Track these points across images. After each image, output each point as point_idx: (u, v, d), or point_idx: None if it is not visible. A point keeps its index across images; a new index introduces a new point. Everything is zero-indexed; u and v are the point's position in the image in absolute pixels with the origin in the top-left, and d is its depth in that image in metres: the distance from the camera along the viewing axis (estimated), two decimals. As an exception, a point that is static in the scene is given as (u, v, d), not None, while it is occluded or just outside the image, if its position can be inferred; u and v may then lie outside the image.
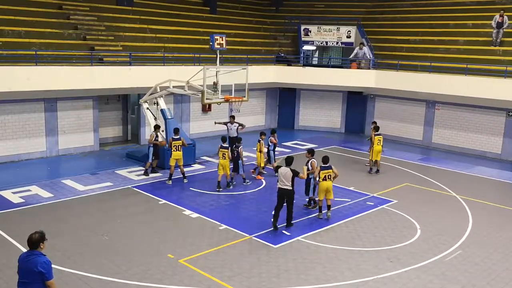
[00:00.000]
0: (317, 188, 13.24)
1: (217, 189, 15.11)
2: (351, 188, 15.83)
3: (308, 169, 13.22)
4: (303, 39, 26.52)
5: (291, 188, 11.97)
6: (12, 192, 14.20)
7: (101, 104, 20.27)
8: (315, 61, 28.94)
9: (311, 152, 13.60)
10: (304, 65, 25.78)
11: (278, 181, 12.17)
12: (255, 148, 17.24)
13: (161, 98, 18.01)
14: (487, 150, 21.47)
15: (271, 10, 30.99)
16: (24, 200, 13.59)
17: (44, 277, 6.51)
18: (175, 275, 9.62)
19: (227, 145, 15.38)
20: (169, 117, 17.77)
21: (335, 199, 14.20)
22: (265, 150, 17.04)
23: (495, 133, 21.19)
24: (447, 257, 10.89)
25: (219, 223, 12.40)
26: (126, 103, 21.84)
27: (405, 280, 9.79)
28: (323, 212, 13.15)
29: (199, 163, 18.34)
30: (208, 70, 15.74)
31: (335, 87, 24.76)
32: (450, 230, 12.51)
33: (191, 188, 15.33)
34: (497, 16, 21.98)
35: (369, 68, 24.64)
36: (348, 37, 25.82)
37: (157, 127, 16.77)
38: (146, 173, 16.41)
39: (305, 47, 26.91)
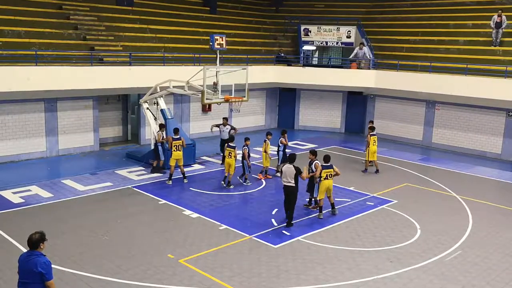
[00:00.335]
0: (317, 187, 13.26)
1: (227, 186, 15.46)
2: (351, 188, 15.83)
3: (312, 171, 13.29)
4: (303, 39, 26.53)
5: (294, 185, 12.17)
6: (12, 192, 14.20)
7: (101, 104, 20.26)
8: (315, 61, 28.93)
9: (314, 153, 13.60)
10: (304, 65, 25.78)
11: (282, 178, 12.49)
12: (261, 148, 17.20)
13: (161, 98, 18.01)
14: (487, 150, 21.47)
15: (271, 10, 30.99)
16: (24, 200, 13.59)
17: (44, 277, 6.52)
18: (175, 275, 9.62)
19: (234, 145, 15.49)
20: (169, 117, 17.77)
21: (335, 199, 14.31)
22: (270, 151, 16.84)
23: (495, 133, 21.19)
24: (447, 257, 10.89)
25: (219, 223, 12.40)
26: (126, 103, 21.83)
27: (405, 280, 9.80)
28: (323, 212, 13.15)
29: (199, 163, 18.34)
30: (208, 70, 15.74)
31: (335, 87, 24.75)
32: (450, 230, 12.51)
33: (191, 188, 15.33)
34: (495, 16, 22.00)
35: (369, 68, 24.64)
36: (348, 37, 25.83)
37: (162, 126, 16.77)
38: (157, 170, 16.44)
39: (305, 47, 26.91)
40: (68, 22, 20.26)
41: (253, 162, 16.68)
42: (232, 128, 18.63)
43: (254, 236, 11.64)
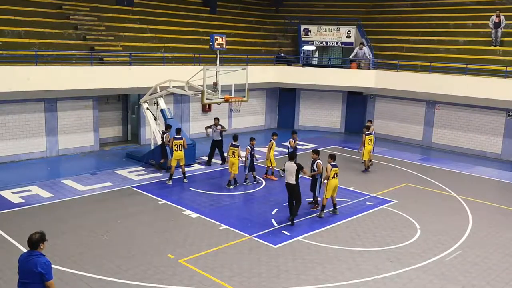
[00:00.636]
0: (323, 187, 13.33)
1: (227, 185, 15.51)
2: (351, 188, 15.83)
3: (313, 170, 13.36)
4: (303, 39, 26.53)
5: (295, 182, 12.32)
6: (12, 192, 14.20)
7: (101, 104, 20.26)
8: (315, 61, 28.92)
9: (317, 152, 13.65)
10: (304, 65, 25.77)
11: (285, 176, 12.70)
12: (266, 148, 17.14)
13: (161, 98, 18.02)
14: (487, 150, 21.47)
15: (271, 10, 30.99)
16: (24, 200, 13.59)
17: (44, 277, 6.52)
18: (175, 275, 9.62)
19: (238, 144, 15.49)
20: (169, 117, 17.77)
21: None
22: (274, 152, 16.71)
23: (495, 133, 21.18)
24: (447, 257, 10.89)
25: (219, 223, 12.40)
26: (126, 103, 21.83)
27: (405, 280, 9.80)
28: (325, 211, 13.15)
29: (199, 163, 18.33)
30: (208, 70, 15.73)
31: (335, 87, 24.75)
32: (450, 230, 12.51)
33: (191, 188, 15.33)
34: (493, 17, 22.01)
35: (369, 68, 24.65)
36: (348, 37, 25.83)
37: (169, 127, 16.74)
38: (159, 168, 16.56)
39: (305, 47, 26.90)
40: (68, 22, 20.26)
41: (256, 163, 16.57)
42: (222, 127, 18.26)
43: (254, 236, 11.64)
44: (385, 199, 14.89)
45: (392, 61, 23.89)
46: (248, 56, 23.95)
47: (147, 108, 18.35)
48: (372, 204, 14.40)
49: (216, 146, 18.22)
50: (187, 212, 13.19)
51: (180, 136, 15.72)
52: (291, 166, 12.39)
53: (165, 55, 21.06)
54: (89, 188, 14.88)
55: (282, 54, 26.11)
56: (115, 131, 21.64)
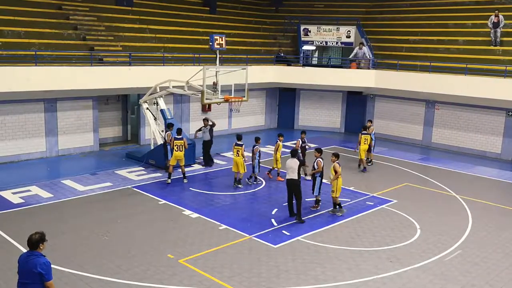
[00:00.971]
0: (318, 185, 13.50)
1: (234, 185, 15.51)
2: (351, 188, 15.83)
3: (313, 168, 13.47)
4: (302, 39, 26.53)
5: (296, 178, 12.47)
6: (12, 193, 14.20)
7: (101, 104, 20.26)
8: (314, 61, 28.94)
9: (319, 151, 13.72)
10: (303, 65, 25.79)
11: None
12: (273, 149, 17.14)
13: (161, 98, 18.01)
14: (487, 150, 21.47)
15: (270, 10, 31.00)
16: (24, 201, 13.59)
17: (43, 278, 6.52)
18: (175, 275, 9.62)
19: (242, 143, 15.51)
20: (169, 117, 17.76)
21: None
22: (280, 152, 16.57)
23: (495, 133, 21.19)
24: (447, 257, 10.89)
25: (219, 223, 12.40)
26: (126, 103, 21.83)
27: (405, 280, 9.80)
28: (326, 210, 13.19)
29: (199, 163, 18.33)
30: (207, 70, 15.74)
31: (334, 87, 24.76)
32: (450, 230, 12.51)
33: (191, 188, 15.33)
34: (492, 17, 22.03)
35: (368, 68, 24.66)
36: (348, 37, 25.83)
37: (171, 125, 16.71)
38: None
39: (305, 47, 26.91)
40: (67, 22, 20.27)
41: (262, 165, 16.52)
42: (212, 125, 17.96)
43: (254, 236, 11.64)
44: (385, 199, 14.89)
45: (392, 61, 23.89)
46: (248, 56, 23.95)
47: (147, 108, 18.35)
48: (372, 204, 14.40)
49: (206, 146, 17.94)
50: (187, 212, 13.19)
51: (180, 137, 15.72)
52: (293, 162, 12.59)
53: (165, 55, 21.06)
54: (89, 188, 14.88)
55: (282, 54, 26.11)
56: (115, 131, 21.63)
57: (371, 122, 19.48)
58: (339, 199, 13.39)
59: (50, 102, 18.24)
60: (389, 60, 24.38)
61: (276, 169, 16.55)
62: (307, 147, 17.62)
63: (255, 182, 15.96)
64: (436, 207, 14.29)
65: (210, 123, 18.01)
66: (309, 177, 14.64)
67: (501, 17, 21.78)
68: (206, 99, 15.79)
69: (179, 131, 15.89)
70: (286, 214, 12.99)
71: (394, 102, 24.25)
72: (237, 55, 23.76)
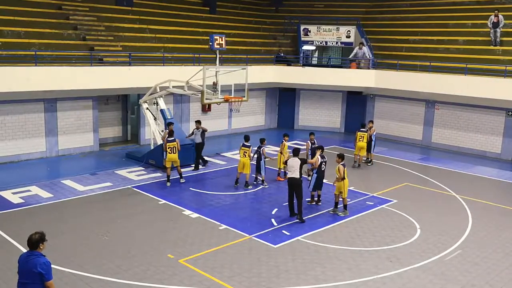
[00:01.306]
0: (313, 181, 13.77)
1: (234, 185, 15.50)
2: (351, 188, 15.76)
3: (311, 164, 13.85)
4: (302, 39, 26.53)
5: (298, 177, 12.52)
6: (12, 193, 14.19)
7: (100, 104, 20.26)
8: (314, 61, 28.94)
9: (321, 148, 14.07)
10: (303, 65, 25.79)
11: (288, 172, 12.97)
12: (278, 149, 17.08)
13: (161, 98, 18.01)
14: (487, 149, 21.47)
15: (270, 10, 31.00)
16: (24, 201, 13.58)
17: (43, 278, 6.52)
18: (175, 275, 9.62)
19: (249, 144, 15.47)
20: (169, 117, 17.75)
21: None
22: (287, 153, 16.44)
23: (495, 133, 21.19)
24: (447, 257, 10.89)
25: (219, 223, 12.40)
26: (126, 103, 21.82)
27: (404, 280, 9.80)
28: (328, 209, 13.22)
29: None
30: (207, 70, 15.73)
31: (334, 87, 24.76)
32: (450, 230, 12.52)
33: (191, 188, 15.33)
34: (492, 17, 22.04)
35: (368, 68, 24.66)
36: (348, 37, 25.83)
37: (170, 124, 16.67)
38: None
39: (305, 47, 26.91)
40: (67, 23, 20.27)
41: (267, 166, 16.44)
42: (204, 129, 17.69)
43: (254, 236, 11.64)
44: (385, 198, 14.89)
45: (392, 61, 23.90)
46: (248, 56, 23.96)
47: (147, 108, 18.35)
48: (372, 203, 14.40)
49: (198, 149, 17.62)
50: (187, 212, 13.19)
51: (173, 138, 15.53)
52: (295, 161, 12.67)
53: (165, 55, 21.06)
54: (89, 188, 14.88)
55: (282, 54, 26.12)
56: (115, 131, 21.63)
57: (372, 123, 19.46)
58: (347, 199, 13.49)
59: (50, 102, 18.24)
60: (389, 60, 24.38)
61: (282, 170, 16.48)
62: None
63: (263, 185, 15.86)
64: (436, 207, 14.29)
65: (202, 126, 17.72)
66: (309, 175, 14.78)
67: (501, 17, 21.79)
68: (206, 99, 15.78)
69: (171, 133, 15.70)
70: (286, 214, 13.00)
71: (394, 102, 24.25)
72: (237, 55, 23.76)
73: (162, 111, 17.93)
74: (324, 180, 14.10)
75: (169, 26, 23.74)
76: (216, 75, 15.91)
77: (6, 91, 16.32)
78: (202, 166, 17.87)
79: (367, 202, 14.52)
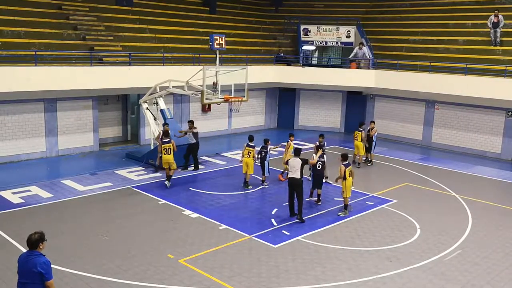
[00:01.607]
0: (312, 180, 13.95)
1: (244, 186, 15.44)
2: (351, 188, 15.79)
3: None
4: (302, 39, 26.52)
5: (298, 177, 12.54)
6: (12, 192, 14.19)
7: (100, 104, 20.25)
8: (314, 61, 28.92)
9: (321, 148, 14.40)
10: (303, 65, 25.78)
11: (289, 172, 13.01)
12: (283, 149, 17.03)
13: (161, 98, 18.00)
14: (487, 149, 21.46)
15: (270, 10, 31.00)
16: (24, 200, 13.58)
17: (43, 277, 6.51)
18: (175, 275, 9.62)
19: (254, 144, 15.48)
20: (169, 117, 17.74)
21: (334, 198, 14.52)
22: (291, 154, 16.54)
23: (495, 133, 21.18)
24: (447, 257, 10.89)
25: (219, 223, 12.40)
26: (126, 103, 21.82)
27: (404, 279, 9.80)
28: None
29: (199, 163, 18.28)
30: (207, 70, 15.73)
31: (334, 87, 24.75)
32: (450, 230, 12.52)
33: (191, 188, 15.33)
34: (492, 17, 22.03)
35: (368, 68, 24.66)
36: (348, 37, 25.83)
37: (166, 125, 16.61)
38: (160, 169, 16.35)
39: (305, 47, 26.90)
40: (67, 22, 20.26)
41: (271, 167, 16.40)
42: (196, 133, 17.49)
43: (254, 236, 11.64)
44: (385, 198, 14.89)
45: (392, 61, 23.89)
46: (248, 56, 23.95)
47: (147, 108, 18.33)
48: (372, 203, 14.40)
49: (191, 149, 17.35)
50: (187, 212, 13.19)
51: (168, 139, 15.39)
52: (296, 161, 12.68)
53: (165, 55, 21.06)
54: (88, 188, 14.87)
55: (282, 54, 26.12)
56: (115, 131, 21.62)
57: (374, 123, 19.42)
58: (348, 199, 13.48)
59: (50, 102, 18.23)
60: (389, 60, 24.38)
61: (287, 171, 16.38)
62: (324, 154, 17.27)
63: (263, 185, 15.78)
64: (436, 207, 14.29)
65: (195, 126, 17.54)
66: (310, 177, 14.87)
67: (500, 17, 21.79)
68: (206, 99, 15.78)
69: (167, 134, 15.56)
70: (286, 214, 13.00)
71: (394, 102, 24.25)
72: (237, 55, 23.75)
73: (162, 111, 17.92)
74: (328, 181, 14.15)
75: (169, 26, 23.73)
76: (216, 75, 15.91)
77: (6, 91, 16.31)
78: (191, 168, 17.43)
79: (367, 202, 14.52)
